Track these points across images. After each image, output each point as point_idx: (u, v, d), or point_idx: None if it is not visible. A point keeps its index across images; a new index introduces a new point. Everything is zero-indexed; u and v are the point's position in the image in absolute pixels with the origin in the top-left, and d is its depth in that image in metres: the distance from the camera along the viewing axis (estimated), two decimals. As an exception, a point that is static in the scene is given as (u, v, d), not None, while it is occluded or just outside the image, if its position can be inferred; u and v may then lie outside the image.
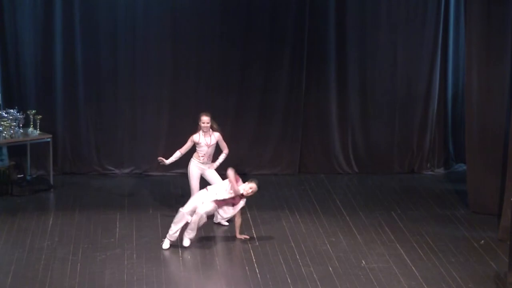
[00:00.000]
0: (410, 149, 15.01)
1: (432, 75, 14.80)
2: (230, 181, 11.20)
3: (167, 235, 11.27)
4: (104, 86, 14.34)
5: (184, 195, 13.53)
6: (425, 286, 10.22)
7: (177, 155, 12.12)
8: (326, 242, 11.60)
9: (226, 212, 11.33)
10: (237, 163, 14.34)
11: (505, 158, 12.29)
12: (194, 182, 12.09)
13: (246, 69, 14.47)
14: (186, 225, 11.25)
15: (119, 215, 12.48)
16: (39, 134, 13.69)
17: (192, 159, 12.13)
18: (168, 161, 12.15)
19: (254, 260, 10.96)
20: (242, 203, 11.34)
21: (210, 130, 12.01)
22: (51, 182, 13.72)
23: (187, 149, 12.12)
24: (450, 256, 11.17)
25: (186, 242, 11.25)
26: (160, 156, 14.54)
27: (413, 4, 14.56)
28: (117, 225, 12.10)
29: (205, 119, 11.96)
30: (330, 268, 10.74)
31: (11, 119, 13.46)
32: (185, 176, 14.47)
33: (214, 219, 11.87)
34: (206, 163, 12.09)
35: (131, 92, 14.39)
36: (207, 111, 12.14)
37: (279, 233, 11.93)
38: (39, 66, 14.13)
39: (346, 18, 14.48)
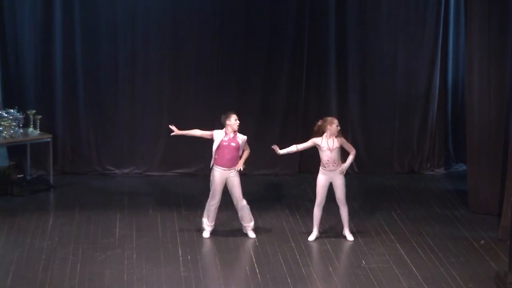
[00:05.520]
0: (410, 149, 15.01)
1: (432, 75, 14.81)
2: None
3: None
4: (104, 86, 14.34)
5: (184, 195, 13.54)
6: (425, 286, 10.22)
7: (292, 148, 11.76)
8: (326, 242, 11.60)
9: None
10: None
11: (505, 158, 12.29)
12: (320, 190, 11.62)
13: (246, 69, 14.47)
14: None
15: (119, 215, 12.48)
16: (39, 134, 13.69)
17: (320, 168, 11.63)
18: (282, 151, 11.70)
19: (254, 260, 10.96)
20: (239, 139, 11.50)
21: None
22: (51, 182, 13.72)
23: (304, 148, 11.75)
24: (450, 256, 11.17)
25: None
26: (159, 160, 14.58)
27: (413, 4, 14.57)
28: (117, 225, 12.10)
29: (336, 121, 11.50)
30: (330, 268, 10.74)
31: (11, 119, 13.46)
32: (185, 176, 14.53)
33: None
34: (333, 170, 11.54)
35: (131, 92, 14.39)
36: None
37: (279, 233, 11.93)
38: (39, 66, 14.13)
39: (347, 18, 14.49)
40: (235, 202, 11.62)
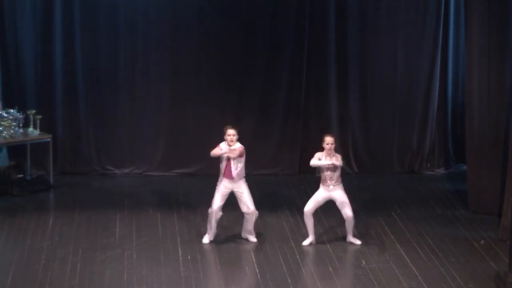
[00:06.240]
0: (410, 149, 15.01)
1: (432, 75, 14.80)
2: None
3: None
4: (104, 86, 14.34)
5: (184, 195, 13.54)
6: (425, 286, 10.22)
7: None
8: (326, 242, 11.60)
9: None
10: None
11: (505, 158, 12.29)
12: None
13: (247, 70, 14.47)
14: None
15: (119, 215, 12.48)
16: (39, 134, 13.69)
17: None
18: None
19: (254, 260, 10.97)
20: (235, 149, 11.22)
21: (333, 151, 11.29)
22: (51, 182, 13.72)
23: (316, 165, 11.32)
24: (450, 256, 11.17)
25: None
26: (159, 160, 14.56)
27: (413, 4, 14.56)
28: (117, 225, 12.10)
29: (329, 140, 11.25)
30: (330, 268, 10.74)
31: (11, 119, 13.46)
32: (185, 176, 14.53)
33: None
34: (331, 187, 11.34)
35: (131, 92, 14.39)
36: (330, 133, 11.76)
37: (279, 233, 11.93)
38: (39, 66, 14.13)
39: (347, 18, 14.48)
40: (245, 211, 11.45)
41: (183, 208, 12.83)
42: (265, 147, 14.60)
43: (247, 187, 11.40)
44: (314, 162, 11.30)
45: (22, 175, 13.64)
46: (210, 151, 11.33)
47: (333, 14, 14.46)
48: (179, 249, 11.26)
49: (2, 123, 13.35)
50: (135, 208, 12.84)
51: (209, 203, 12.47)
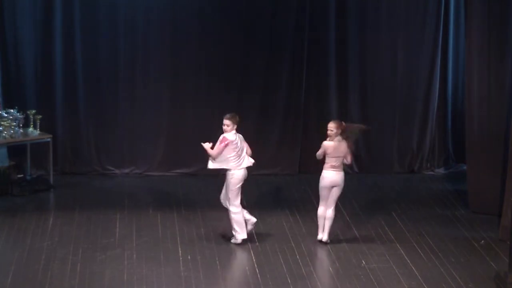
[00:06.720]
0: (410, 149, 15.02)
1: (432, 75, 14.81)
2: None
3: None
4: (104, 86, 14.33)
5: (184, 195, 13.54)
6: (425, 286, 10.22)
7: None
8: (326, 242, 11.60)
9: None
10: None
11: (505, 158, 12.29)
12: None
13: (247, 69, 14.47)
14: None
15: (119, 215, 12.48)
16: (39, 134, 13.69)
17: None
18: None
19: (254, 260, 10.96)
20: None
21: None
22: (51, 182, 13.72)
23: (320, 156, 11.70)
24: (450, 256, 11.18)
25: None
26: (159, 160, 14.56)
27: (413, 4, 14.57)
28: (117, 225, 12.10)
29: (331, 126, 11.57)
30: (330, 268, 10.74)
31: (11, 119, 13.46)
32: (185, 176, 14.52)
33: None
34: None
35: (131, 92, 14.39)
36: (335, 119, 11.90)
37: (279, 233, 11.93)
38: (39, 66, 14.13)
39: (347, 18, 14.48)
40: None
41: (183, 208, 12.83)
42: (265, 147, 14.59)
43: None
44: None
45: (22, 175, 13.64)
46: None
47: (333, 14, 14.46)
48: (179, 249, 11.26)
49: (2, 123, 13.34)
50: (135, 208, 12.83)
51: (209, 203, 12.55)
